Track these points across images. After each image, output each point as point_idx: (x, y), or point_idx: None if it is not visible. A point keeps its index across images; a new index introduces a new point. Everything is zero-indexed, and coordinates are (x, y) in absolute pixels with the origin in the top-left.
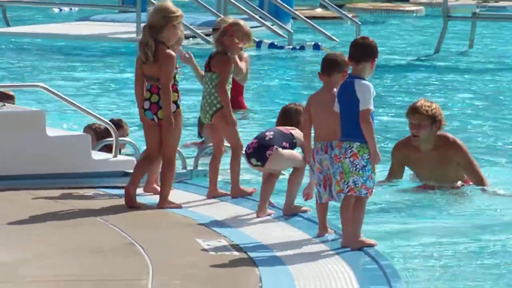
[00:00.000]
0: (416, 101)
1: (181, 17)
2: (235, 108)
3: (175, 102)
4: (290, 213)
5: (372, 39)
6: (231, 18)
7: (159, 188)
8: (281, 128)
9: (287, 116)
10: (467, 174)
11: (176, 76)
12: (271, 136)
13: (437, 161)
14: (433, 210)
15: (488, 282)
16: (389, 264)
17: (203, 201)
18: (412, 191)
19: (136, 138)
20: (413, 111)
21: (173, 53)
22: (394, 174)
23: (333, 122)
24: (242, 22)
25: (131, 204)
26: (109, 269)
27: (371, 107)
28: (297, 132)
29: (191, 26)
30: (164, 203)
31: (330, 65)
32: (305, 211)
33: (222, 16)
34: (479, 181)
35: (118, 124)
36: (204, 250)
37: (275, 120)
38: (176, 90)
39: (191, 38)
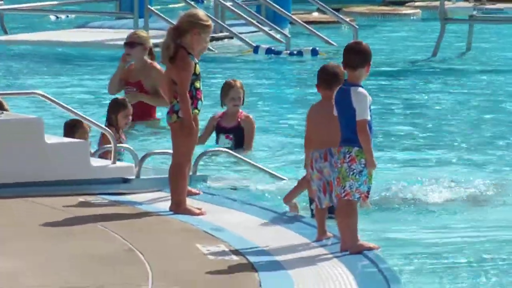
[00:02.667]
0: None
1: (209, 28)
2: (146, 118)
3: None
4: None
5: (366, 44)
6: (144, 32)
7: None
8: None
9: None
10: None
11: (196, 83)
12: None
13: None
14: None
15: (489, 283)
16: (388, 267)
17: (200, 206)
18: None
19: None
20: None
21: (191, 60)
22: None
23: (333, 130)
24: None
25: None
26: (108, 276)
27: (368, 117)
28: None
29: None
30: (178, 209)
31: (332, 79)
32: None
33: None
34: None
35: (74, 126)
36: (203, 255)
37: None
38: (192, 97)
39: None
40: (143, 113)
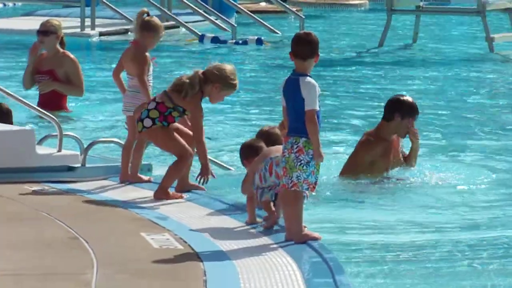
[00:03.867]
0: (410, 100)
1: (233, 88)
2: (57, 109)
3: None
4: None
5: (315, 34)
6: (57, 21)
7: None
8: None
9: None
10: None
11: (174, 113)
12: None
13: (398, 151)
14: (383, 201)
15: (435, 276)
16: (333, 257)
17: (146, 196)
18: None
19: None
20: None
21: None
22: (363, 167)
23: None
24: None
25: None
26: (53, 263)
27: (316, 107)
28: None
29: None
30: (161, 194)
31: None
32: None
33: (146, 10)
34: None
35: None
36: (148, 243)
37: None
38: (161, 114)
39: (129, 33)
40: (54, 103)
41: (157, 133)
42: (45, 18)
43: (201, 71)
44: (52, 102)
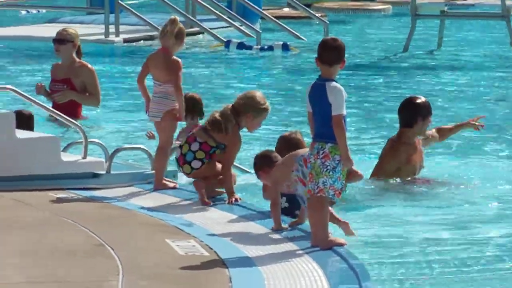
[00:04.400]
0: (424, 100)
1: (265, 112)
2: (73, 117)
3: None
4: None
5: (341, 40)
6: (73, 29)
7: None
8: None
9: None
10: (434, 140)
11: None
12: None
13: (421, 152)
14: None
15: (456, 279)
16: (359, 263)
17: (171, 202)
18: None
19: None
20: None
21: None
22: (390, 172)
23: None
24: None
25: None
26: (78, 270)
27: (344, 112)
28: None
29: (159, 27)
30: (159, 185)
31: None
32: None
33: (177, 18)
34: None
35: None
36: (174, 250)
37: None
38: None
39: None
40: (70, 112)
41: (205, 169)
42: (68, 25)
43: (230, 105)
44: (67, 111)
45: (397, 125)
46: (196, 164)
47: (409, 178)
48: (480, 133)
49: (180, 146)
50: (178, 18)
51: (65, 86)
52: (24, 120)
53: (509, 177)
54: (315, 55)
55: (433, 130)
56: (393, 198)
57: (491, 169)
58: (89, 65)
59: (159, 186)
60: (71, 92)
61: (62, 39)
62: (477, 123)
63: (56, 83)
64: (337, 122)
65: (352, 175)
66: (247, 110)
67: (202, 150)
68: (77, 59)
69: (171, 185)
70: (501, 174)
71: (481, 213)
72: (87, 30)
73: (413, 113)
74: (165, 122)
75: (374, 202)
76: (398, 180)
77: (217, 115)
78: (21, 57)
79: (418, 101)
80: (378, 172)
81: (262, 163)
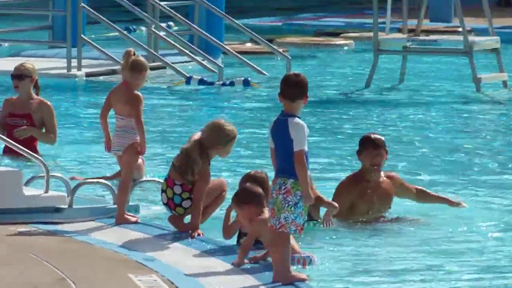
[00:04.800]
0: (368, 134)
1: (233, 140)
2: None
3: None
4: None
5: (304, 75)
6: (31, 64)
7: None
8: None
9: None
10: (409, 195)
11: None
12: None
13: (385, 192)
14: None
15: None
16: None
17: (133, 237)
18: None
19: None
20: (375, 141)
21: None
22: (342, 210)
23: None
24: None
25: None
26: None
27: (305, 147)
28: None
29: (120, 61)
30: (121, 219)
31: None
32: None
33: (132, 50)
34: (422, 192)
35: None
36: (136, 285)
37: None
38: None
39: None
40: (27, 147)
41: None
42: (31, 59)
43: (197, 140)
44: (24, 146)
45: (358, 161)
46: (187, 203)
47: (370, 216)
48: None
49: (163, 191)
50: (134, 50)
51: (24, 121)
52: None
53: (471, 215)
54: (278, 91)
55: (414, 187)
56: (355, 234)
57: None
58: (48, 102)
59: (121, 220)
60: (32, 128)
61: (20, 75)
62: (460, 205)
63: (14, 118)
64: (298, 158)
65: (327, 206)
66: (215, 144)
67: (185, 191)
68: (34, 95)
69: (133, 219)
70: (465, 212)
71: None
72: (50, 64)
73: (359, 145)
74: (126, 156)
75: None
76: (363, 217)
77: (183, 159)
78: None
79: (365, 134)
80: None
81: (253, 199)
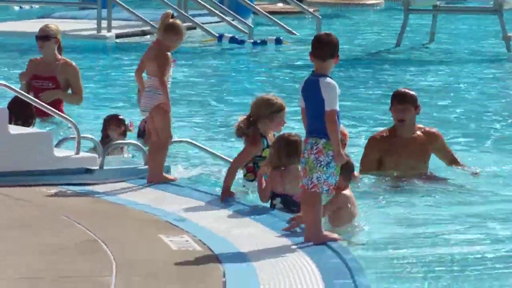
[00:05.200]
0: (398, 89)
1: (281, 112)
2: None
3: None
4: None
5: (334, 35)
6: (55, 25)
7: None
8: None
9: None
10: (443, 158)
11: (260, 163)
12: None
13: (418, 148)
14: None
15: (454, 277)
16: (352, 258)
17: (165, 197)
18: (389, 181)
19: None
20: (400, 96)
21: (262, 142)
22: (371, 165)
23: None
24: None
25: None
26: (71, 266)
27: (337, 107)
28: None
29: (151, 22)
30: (159, 178)
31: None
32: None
33: (171, 12)
34: (456, 163)
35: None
36: (167, 246)
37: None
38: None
39: (149, 36)
40: (54, 109)
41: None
42: (61, 21)
43: (244, 117)
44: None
45: (390, 119)
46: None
47: (402, 173)
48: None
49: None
50: (172, 12)
51: (50, 84)
52: (23, 109)
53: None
54: (308, 50)
55: (451, 153)
56: (389, 194)
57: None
58: (73, 63)
59: (160, 178)
60: (58, 91)
61: (46, 36)
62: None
63: (40, 80)
64: (330, 118)
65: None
66: (261, 117)
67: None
68: (59, 56)
69: (172, 177)
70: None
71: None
72: (80, 25)
73: (390, 100)
74: (156, 116)
75: (367, 199)
76: (393, 174)
77: (235, 129)
78: (13, 53)
79: (407, 91)
80: (362, 164)
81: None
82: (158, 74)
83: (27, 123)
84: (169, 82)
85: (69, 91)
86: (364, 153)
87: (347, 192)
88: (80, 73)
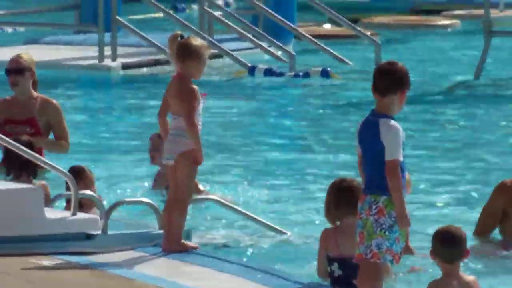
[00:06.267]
0: None
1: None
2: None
3: None
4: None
5: (402, 65)
6: (28, 54)
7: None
8: None
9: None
10: None
11: None
12: None
13: None
14: None
15: None
16: None
17: (183, 268)
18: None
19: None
20: None
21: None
22: (489, 225)
23: None
24: None
25: None
26: None
27: (400, 157)
28: None
29: (166, 49)
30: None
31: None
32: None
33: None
34: None
35: (79, 172)
36: None
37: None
38: None
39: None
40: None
41: None
42: (53, 47)
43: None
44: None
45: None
46: None
47: None
48: None
49: None
50: (180, 32)
51: (27, 128)
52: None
53: None
54: (363, 83)
55: None
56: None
57: None
58: (53, 101)
59: (178, 247)
60: (40, 139)
61: (20, 68)
62: None
63: (16, 125)
64: (391, 169)
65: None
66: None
67: None
68: (36, 93)
69: (192, 245)
70: None
71: None
72: (77, 53)
73: None
74: (180, 166)
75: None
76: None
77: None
78: None
79: None
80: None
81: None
82: (185, 113)
83: (22, 176)
84: (200, 123)
85: (51, 135)
86: (484, 209)
87: None
88: (63, 114)
